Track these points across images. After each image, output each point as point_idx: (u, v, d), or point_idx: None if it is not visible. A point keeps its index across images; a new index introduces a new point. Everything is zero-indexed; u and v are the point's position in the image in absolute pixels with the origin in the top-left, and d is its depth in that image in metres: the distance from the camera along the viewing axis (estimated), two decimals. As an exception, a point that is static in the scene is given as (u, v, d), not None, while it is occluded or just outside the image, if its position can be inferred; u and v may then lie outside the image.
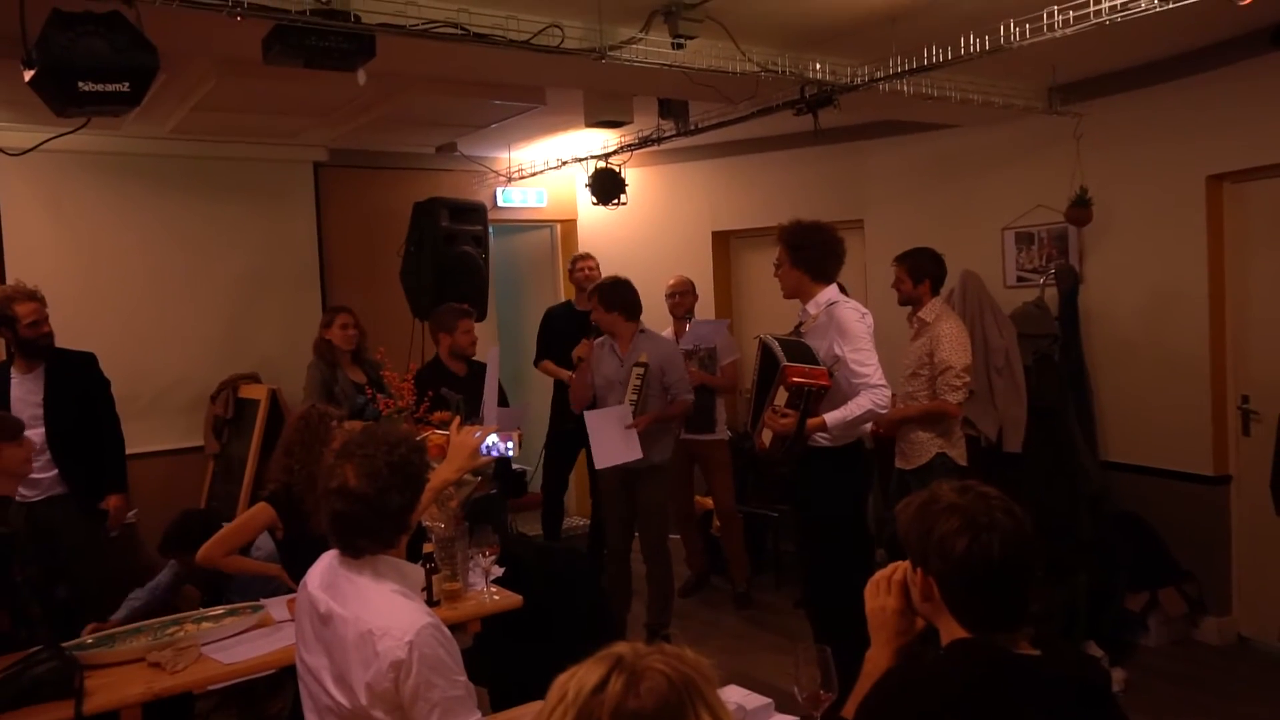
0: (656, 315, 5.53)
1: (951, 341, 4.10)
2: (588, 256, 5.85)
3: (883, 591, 1.74)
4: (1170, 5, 3.00)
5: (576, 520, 6.99)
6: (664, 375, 4.64)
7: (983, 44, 3.53)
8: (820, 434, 3.55)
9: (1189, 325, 4.71)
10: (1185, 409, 4.74)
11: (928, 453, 4.15)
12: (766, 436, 3.57)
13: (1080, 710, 1.50)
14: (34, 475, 3.92)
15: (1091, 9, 3.15)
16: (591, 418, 4.55)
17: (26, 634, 2.84)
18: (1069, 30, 3.22)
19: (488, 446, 2.76)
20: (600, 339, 4.80)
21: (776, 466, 3.65)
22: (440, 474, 2.67)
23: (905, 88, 4.09)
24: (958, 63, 3.71)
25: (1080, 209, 4.84)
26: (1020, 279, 5.36)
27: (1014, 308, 5.13)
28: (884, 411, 3.57)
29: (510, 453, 2.84)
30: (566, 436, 5.47)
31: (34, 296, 4.06)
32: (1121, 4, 3.09)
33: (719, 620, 5.28)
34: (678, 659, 1.09)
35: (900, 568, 1.73)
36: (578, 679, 1.08)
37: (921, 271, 4.25)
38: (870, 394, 3.50)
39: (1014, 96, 4.71)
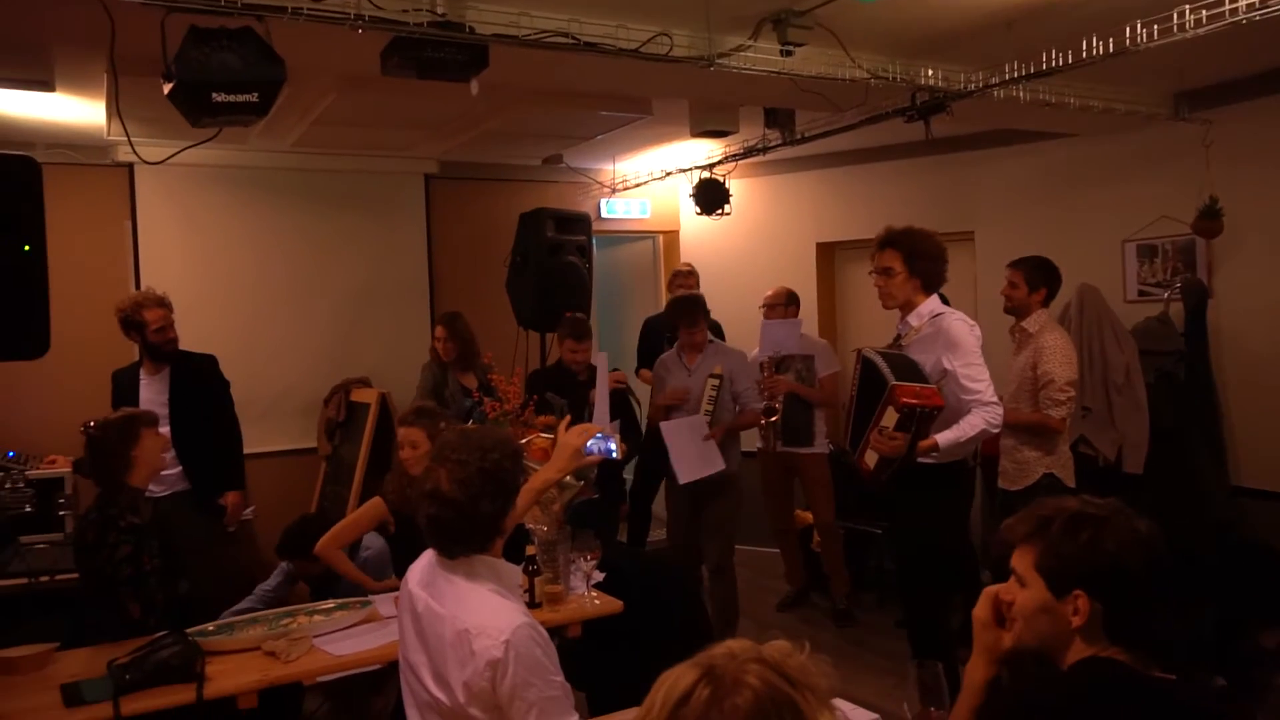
0: (756, 324, 5.49)
1: (1056, 353, 3.94)
2: (690, 274, 5.83)
3: (980, 602, 1.73)
4: (1314, 2, 2.83)
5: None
6: (733, 384, 4.66)
7: (1106, 46, 3.39)
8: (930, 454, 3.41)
9: (1330, 343, 4.43)
10: (1325, 432, 4.46)
11: (1034, 473, 4.00)
12: (871, 459, 3.38)
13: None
14: (162, 472, 4.13)
15: (1226, 7, 2.99)
16: (668, 430, 4.54)
17: (154, 622, 2.98)
18: (1201, 30, 3.07)
19: (591, 447, 2.76)
20: (668, 354, 4.83)
21: (875, 481, 3.47)
22: (543, 474, 2.68)
23: (1021, 94, 3.97)
24: (1079, 67, 3.58)
25: (1210, 220, 4.61)
26: (1142, 293, 5.14)
27: (1135, 323, 4.91)
28: (997, 430, 3.37)
29: (614, 454, 2.83)
30: (658, 447, 5.45)
31: (162, 303, 4.27)
32: (1259, 2, 2.93)
33: (818, 638, 5.11)
34: (778, 669, 1.04)
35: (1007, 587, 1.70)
36: (668, 685, 1.05)
37: (1038, 279, 4.09)
38: (983, 412, 3.29)
39: (1137, 103, 4.52)
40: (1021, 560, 1.64)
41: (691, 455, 4.52)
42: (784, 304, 5.41)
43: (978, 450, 4.24)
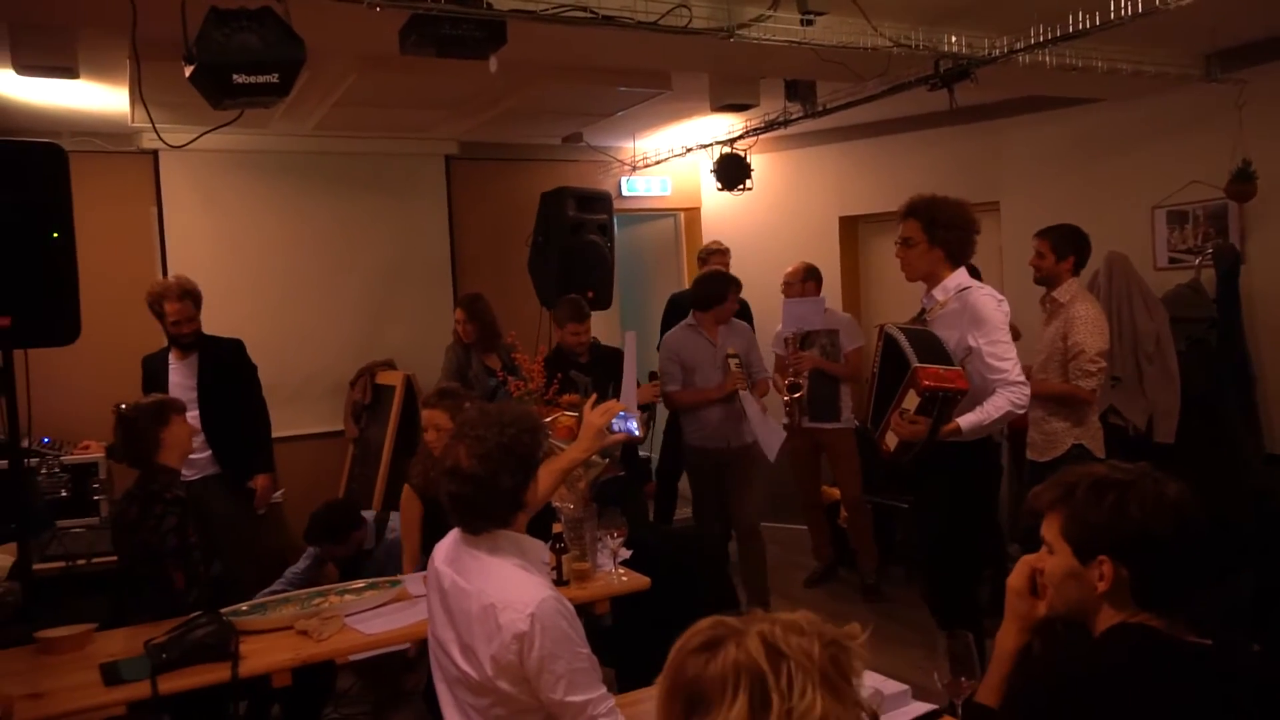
0: (779, 301, 5.48)
1: (1087, 324, 3.89)
2: (723, 251, 5.79)
3: (1016, 570, 1.72)
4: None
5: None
6: (748, 358, 4.75)
7: (1135, 6, 3.32)
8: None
9: (1367, 307, 4.35)
10: (1362, 398, 4.38)
11: (1063, 444, 3.96)
12: (891, 440, 3.33)
13: (1255, 708, 1.40)
14: (192, 455, 4.17)
15: (1259, -37, 2.92)
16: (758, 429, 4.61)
17: (196, 596, 3.03)
18: (1233, -13, 3.00)
19: (613, 425, 2.75)
20: (681, 330, 4.84)
21: (895, 461, 3.42)
22: (569, 454, 2.68)
23: (1048, 59, 3.90)
24: (1106, 29, 3.50)
25: (1243, 184, 4.52)
26: (1172, 260, 5.06)
27: (1165, 290, 4.84)
28: (1022, 412, 3.28)
29: (635, 432, 2.82)
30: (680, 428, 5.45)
31: (185, 295, 4.26)
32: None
33: (847, 613, 5.11)
34: (782, 637, 1.08)
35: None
36: (683, 637, 1.12)
37: (1066, 247, 4.03)
38: (1008, 392, 3.17)
39: (1167, 65, 4.43)
40: (1049, 527, 1.63)
41: (766, 434, 4.59)
42: (801, 280, 5.37)
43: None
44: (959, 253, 3.39)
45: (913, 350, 3.20)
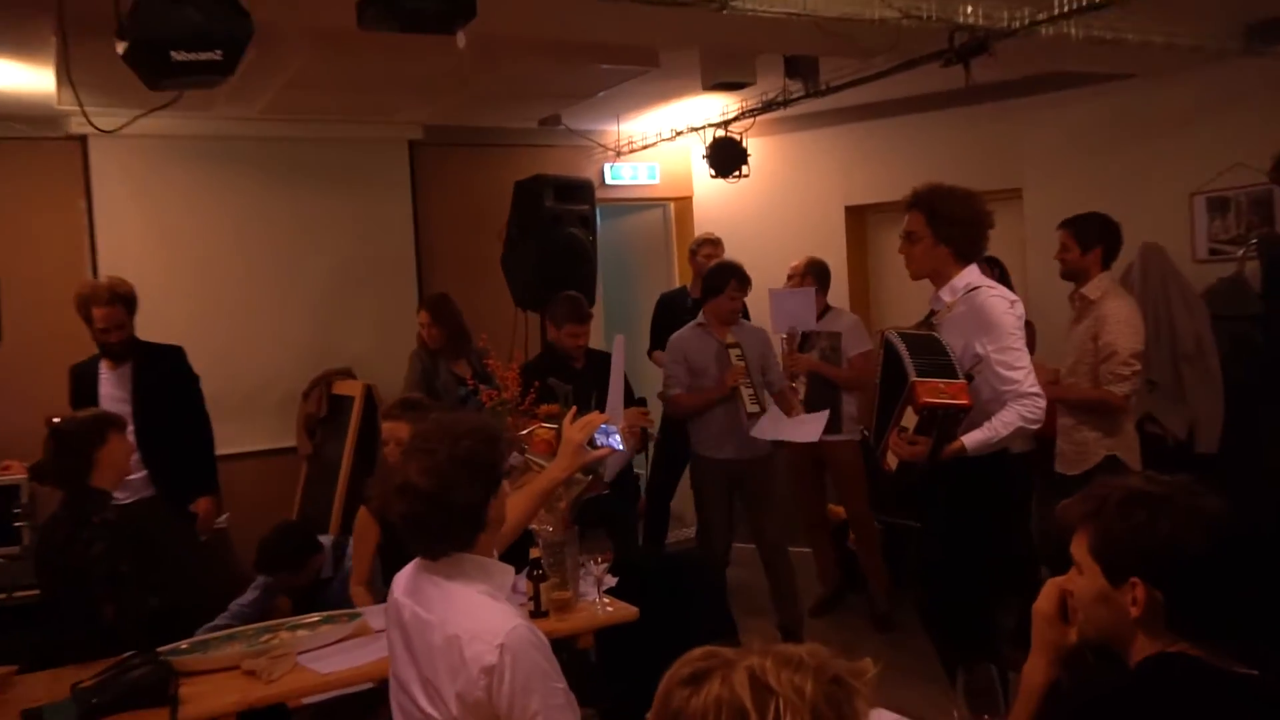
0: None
1: (1119, 323, 3.92)
2: (715, 243, 5.81)
3: (1044, 594, 1.73)
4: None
5: (693, 531, 6.96)
6: (764, 368, 4.77)
7: (1168, -27, 3.35)
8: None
9: None
10: None
11: (1095, 455, 3.98)
12: (893, 461, 3.34)
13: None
14: (126, 477, 4.17)
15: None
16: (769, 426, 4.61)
17: (129, 631, 3.01)
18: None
19: (596, 440, 2.75)
20: (689, 330, 4.86)
21: (899, 484, 3.42)
22: (547, 474, 2.69)
23: (1073, 30, 3.92)
24: (1137, -2, 3.54)
25: (1289, 167, 4.56)
26: (1214, 251, 5.10)
27: (1206, 285, 4.88)
28: (1036, 426, 3.27)
29: (619, 446, 2.83)
30: (678, 434, 5.44)
31: (113, 300, 4.22)
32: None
33: (857, 644, 5.17)
34: (772, 671, 1.08)
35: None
36: (674, 666, 1.13)
37: (1092, 238, 4.06)
38: (1019, 405, 3.17)
39: (1204, 38, 4.46)
40: (1078, 545, 1.64)
41: (792, 429, 4.62)
42: (800, 276, 5.38)
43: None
44: (968, 249, 3.39)
45: (912, 361, 3.20)
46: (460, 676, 1.95)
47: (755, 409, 4.60)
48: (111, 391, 4.34)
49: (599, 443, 2.74)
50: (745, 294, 4.78)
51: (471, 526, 2.06)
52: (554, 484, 2.71)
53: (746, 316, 5.34)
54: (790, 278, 5.40)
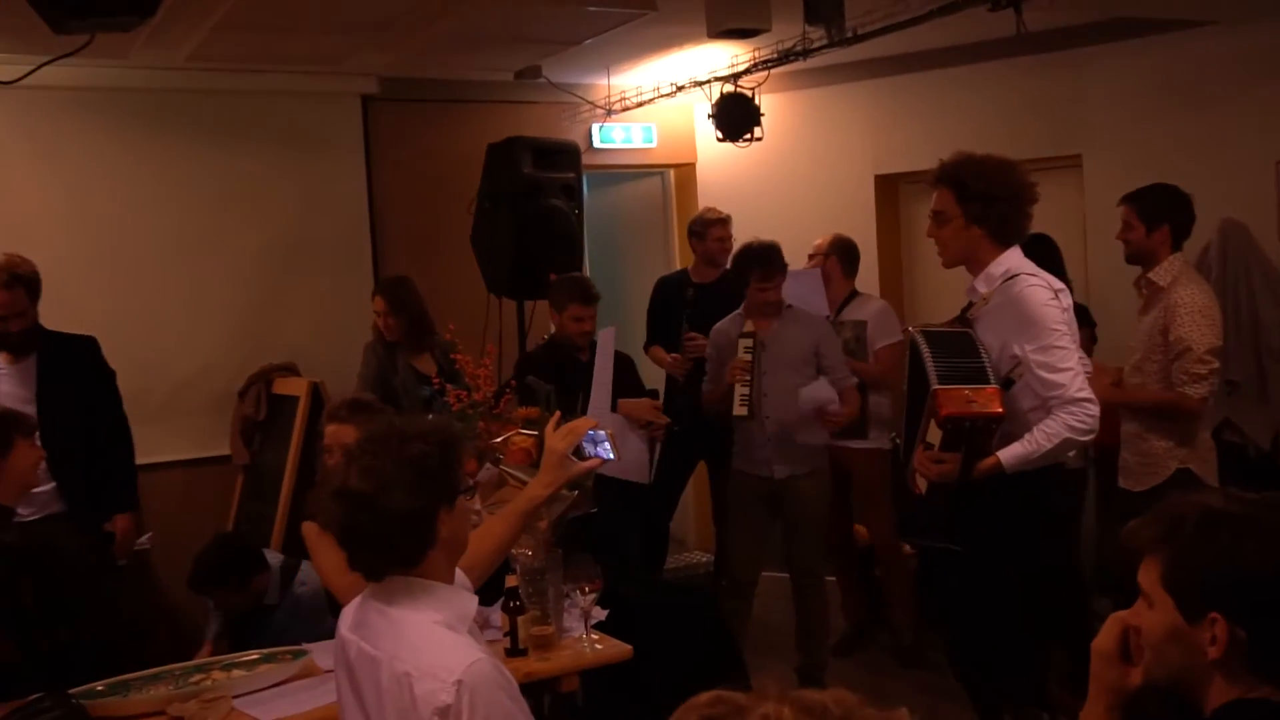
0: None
1: (1193, 313, 3.94)
2: (725, 221, 5.81)
3: (1105, 629, 1.73)
4: None
5: (696, 556, 7.00)
6: (821, 360, 4.74)
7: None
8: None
9: None
10: None
11: (1165, 468, 4.01)
12: (922, 482, 3.35)
13: None
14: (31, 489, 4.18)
15: None
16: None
17: (31, 670, 3.00)
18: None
19: (584, 449, 2.76)
20: (731, 320, 4.88)
21: (931, 507, 3.43)
22: (530, 491, 2.69)
23: (1143, -31, 3.93)
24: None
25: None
26: (1305, 229, 5.12)
27: (1296, 269, 4.91)
28: (1087, 438, 3.24)
29: (608, 456, 2.82)
30: (680, 442, 5.44)
31: (12, 283, 4.23)
32: None
33: (882, 686, 5.20)
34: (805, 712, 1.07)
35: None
36: (678, 712, 1.10)
37: (1158, 214, 4.09)
38: (1066, 413, 3.13)
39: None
40: (1147, 574, 1.65)
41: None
42: (823, 256, 5.40)
43: (1089, 445, 4.21)
44: (1005, 231, 3.36)
45: (935, 365, 3.19)
46: (401, 709, 1.96)
47: (742, 413, 4.62)
48: (12, 390, 4.34)
49: (587, 452, 2.75)
50: (774, 281, 4.71)
51: (415, 540, 2.07)
52: (536, 503, 2.71)
53: None
54: (811, 258, 5.41)
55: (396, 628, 2.06)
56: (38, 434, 4.17)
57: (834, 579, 5.70)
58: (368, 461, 2.05)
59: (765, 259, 4.71)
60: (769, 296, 4.72)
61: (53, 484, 4.33)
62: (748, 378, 4.61)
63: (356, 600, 2.22)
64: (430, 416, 3.86)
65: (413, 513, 2.04)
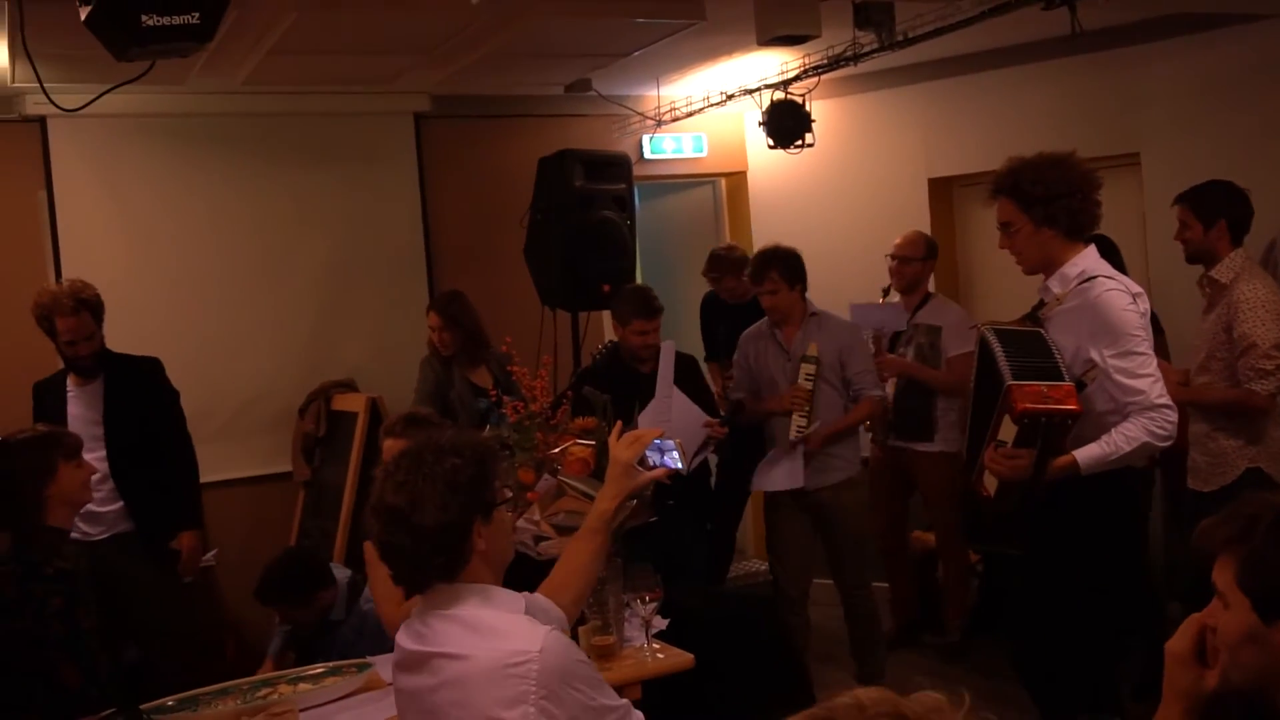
0: (850, 292, 5.52)
1: (1257, 308, 3.88)
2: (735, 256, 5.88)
3: (1180, 631, 1.71)
4: None
5: (756, 564, 6.98)
6: (844, 369, 4.73)
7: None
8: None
9: None
10: None
11: (1235, 468, 3.95)
12: (991, 483, 3.30)
13: None
14: (97, 509, 4.26)
15: None
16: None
17: (98, 693, 3.05)
18: None
19: (649, 458, 2.74)
20: (757, 326, 4.89)
21: (997, 512, 3.37)
22: (598, 506, 2.63)
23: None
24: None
25: None
26: (1372, 224, 5.01)
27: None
28: (1166, 444, 3.20)
29: (677, 465, 2.80)
30: (741, 451, 5.46)
31: (78, 308, 4.28)
32: None
33: (924, 687, 5.15)
34: (933, 714, 1.05)
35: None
36: None
37: (1213, 211, 4.04)
38: (1146, 419, 3.10)
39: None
40: (1222, 573, 1.62)
41: (777, 459, 4.67)
42: (921, 257, 5.40)
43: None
44: (1077, 224, 3.31)
45: (1008, 363, 3.15)
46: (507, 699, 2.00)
47: (797, 438, 4.63)
48: (81, 412, 4.43)
49: (652, 461, 2.72)
50: (786, 287, 4.70)
51: (448, 554, 2.10)
52: (606, 516, 2.62)
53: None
54: (895, 258, 5.40)
55: (466, 624, 2.10)
56: (100, 454, 4.29)
57: (885, 585, 5.69)
58: (401, 477, 2.09)
59: (764, 263, 4.74)
60: (773, 303, 4.72)
61: (120, 504, 4.41)
62: (807, 407, 4.61)
63: (410, 618, 2.23)
64: (487, 429, 3.87)
65: (445, 527, 2.07)
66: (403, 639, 2.22)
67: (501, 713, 2.00)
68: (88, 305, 4.33)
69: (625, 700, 2.15)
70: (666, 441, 2.80)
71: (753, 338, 4.92)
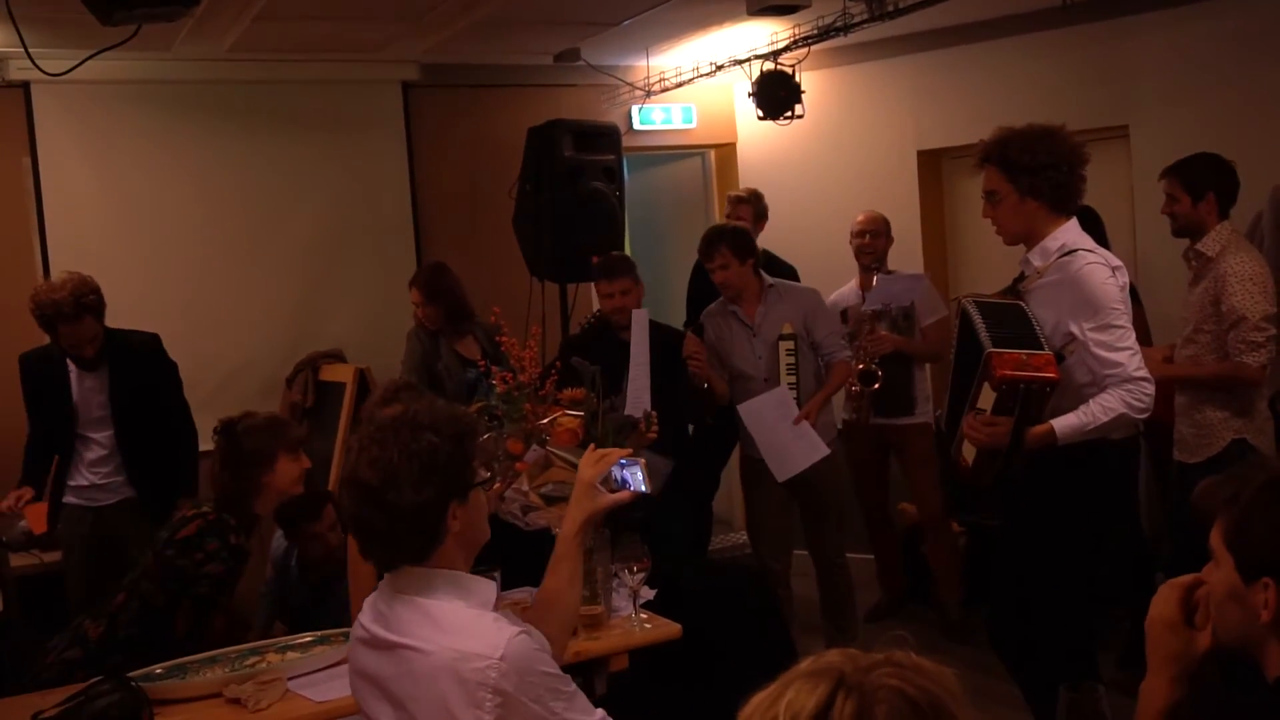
0: (839, 264, 5.50)
1: (1244, 281, 3.89)
2: (745, 201, 5.79)
3: (1161, 599, 1.72)
4: None
5: (741, 536, 6.99)
6: (810, 334, 4.73)
7: None
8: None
9: None
10: None
11: (1220, 439, 3.97)
12: (969, 452, 3.31)
13: None
14: (104, 480, 4.46)
15: None
16: (748, 414, 4.65)
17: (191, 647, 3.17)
18: None
19: (613, 476, 2.68)
20: (716, 303, 4.88)
21: (976, 482, 3.39)
22: (564, 534, 2.54)
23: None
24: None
25: None
26: (1360, 197, 5.02)
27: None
28: (1143, 416, 3.22)
29: (641, 486, 2.74)
30: (720, 420, 5.43)
31: (81, 314, 4.20)
32: None
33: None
34: (916, 672, 1.06)
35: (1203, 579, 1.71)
36: (788, 704, 1.04)
37: (1201, 183, 4.04)
38: (1123, 390, 3.12)
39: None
40: (1216, 533, 1.65)
41: (786, 442, 4.62)
42: (887, 233, 5.41)
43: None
44: (1061, 198, 3.32)
45: (988, 332, 3.17)
46: (462, 701, 1.97)
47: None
48: (86, 394, 4.47)
49: (616, 479, 2.67)
50: (737, 262, 4.68)
51: (420, 534, 2.05)
52: (574, 544, 2.53)
53: (795, 277, 5.36)
54: (865, 233, 5.39)
55: (430, 615, 2.05)
56: (109, 433, 4.43)
57: (870, 557, 5.72)
58: (376, 452, 2.03)
59: (725, 239, 4.73)
60: (723, 278, 4.70)
61: (124, 476, 4.49)
62: (794, 386, 4.61)
63: (374, 594, 2.19)
64: (475, 400, 3.87)
65: (419, 507, 2.03)
66: (365, 617, 2.18)
67: (457, 712, 1.97)
68: (90, 309, 4.24)
69: (600, 711, 2.07)
70: (634, 460, 2.76)
71: (712, 315, 4.90)
